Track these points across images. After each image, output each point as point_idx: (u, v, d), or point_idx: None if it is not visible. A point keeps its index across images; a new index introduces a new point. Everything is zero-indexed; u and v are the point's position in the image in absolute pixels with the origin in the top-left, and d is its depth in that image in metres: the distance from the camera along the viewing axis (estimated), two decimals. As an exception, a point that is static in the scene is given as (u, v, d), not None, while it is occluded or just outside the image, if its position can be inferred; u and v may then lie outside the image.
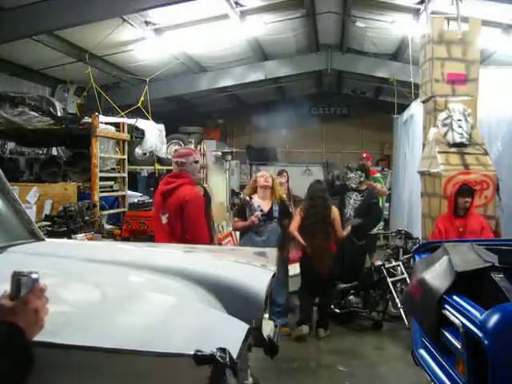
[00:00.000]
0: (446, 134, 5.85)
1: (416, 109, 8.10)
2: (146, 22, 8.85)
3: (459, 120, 5.82)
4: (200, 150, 10.32)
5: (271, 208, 5.50)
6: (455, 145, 5.81)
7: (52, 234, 5.27)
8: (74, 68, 9.98)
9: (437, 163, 5.72)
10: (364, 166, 7.30)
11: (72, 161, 7.58)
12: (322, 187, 5.89)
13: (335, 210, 5.76)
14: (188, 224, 4.00)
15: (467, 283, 2.95)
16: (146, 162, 10.15)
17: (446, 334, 2.83)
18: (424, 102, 6.53)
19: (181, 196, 4.04)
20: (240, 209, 5.71)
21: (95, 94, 9.92)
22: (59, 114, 7.46)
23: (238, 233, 6.43)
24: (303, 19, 10.24)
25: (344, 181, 6.89)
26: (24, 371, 1.28)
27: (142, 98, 9.89)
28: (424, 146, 6.38)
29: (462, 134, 5.77)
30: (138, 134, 8.32)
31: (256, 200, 5.54)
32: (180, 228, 4.06)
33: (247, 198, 5.58)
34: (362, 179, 6.67)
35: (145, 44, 9.60)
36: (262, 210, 5.46)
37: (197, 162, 4.30)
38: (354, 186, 6.67)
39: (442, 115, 5.94)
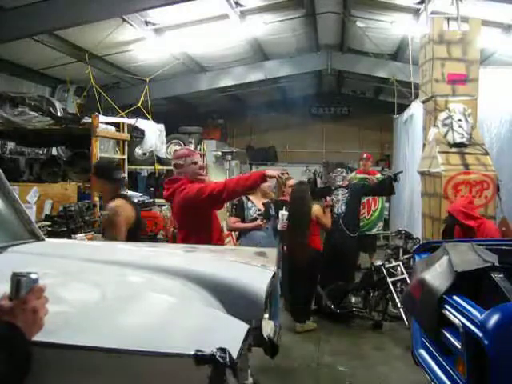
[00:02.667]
0: (446, 134, 5.85)
1: (416, 109, 8.10)
2: (146, 22, 8.84)
3: (459, 120, 5.81)
4: (200, 150, 10.33)
5: (266, 208, 5.41)
6: (455, 145, 5.80)
7: (52, 234, 5.27)
8: (74, 68, 9.98)
9: (437, 163, 5.72)
10: (341, 163, 7.38)
11: (72, 161, 7.59)
12: (303, 188, 5.90)
13: (316, 209, 5.90)
14: (188, 229, 3.96)
15: (467, 283, 2.95)
16: (145, 162, 10.17)
17: (446, 334, 2.83)
18: (424, 101, 6.53)
19: (175, 202, 3.97)
20: (238, 208, 5.54)
21: (95, 94, 9.91)
22: (59, 114, 7.47)
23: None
24: (303, 19, 10.23)
25: (328, 180, 6.95)
26: (22, 371, 1.28)
27: (142, 98, 9.89)
28: (424, 145, 6.39)
29: (462, 134, 5.77)
30: (138, 134, 8.32)
31: (251, 199, 5.43)
32: (182, 231, 4.06)
33: (243, 198, 5.43)
34: (344, 174, 6.83)
35: (145, 44, 9.60)
36: (259, 210, 5.39)
37: (195, 163, 4.02)
38: (339, 183, 6.75)
39: (442, 115, 5.94)
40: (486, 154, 5.79)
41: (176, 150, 5.04)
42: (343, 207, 6.63)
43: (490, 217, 5.56)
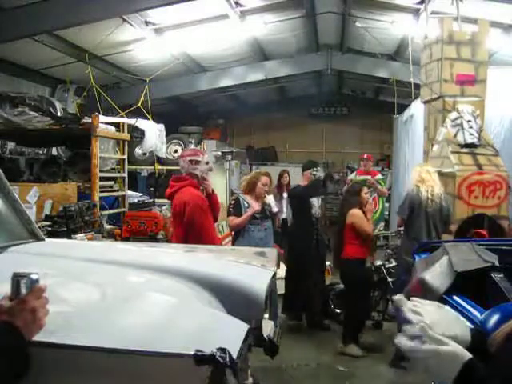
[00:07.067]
0: (456, 135, 5.84)
1: (416, 109, 8.10)
2: (146, 22, 8.84)
3: (469, 121, 5.82)
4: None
5: (263, 207, 5.32)
6: (466, 145, 5.80)
7: (52, 234, 5.27)
8: (74, 68, 9.97)
9: (450, 163, 5.69)
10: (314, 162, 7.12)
11: (72, 161, 7.58)
12: (354, 189, 5.63)
13: (353, 213, 5.29)
14: (192, 229, 3.99)
15: (467, 283, 2.95)
16: (145, 162, 10.17)
17: (446, 333, 2.82)
18: (427, 101, 6.51)
19: (181, 199, 4.05)
20: (235, 207, 5.33)
21: (95, 94, 9.90)
22: (59, 114, 7.46)
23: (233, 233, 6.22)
24: (303, 19, 10.23)
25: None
26: (20, 371, 1.28)
27: (142, 98, 9.88)
28: (432, 145, 6.35)
29: (472, 134, 5.78)
30: (138, 134, 8.31)
31: (248, 199, 5.32)
32: (182, 231, 4.06)
33: (240, 196, 5.38)
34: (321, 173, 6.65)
35: (145, 44, 9.59)
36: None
37: (207, 163, 4.29)
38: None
39: (452, 115, 5.92)
40: (497, 154, 5.80)
41: (187, 149, 5.13)
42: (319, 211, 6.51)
43: (503, 217, 5.55)
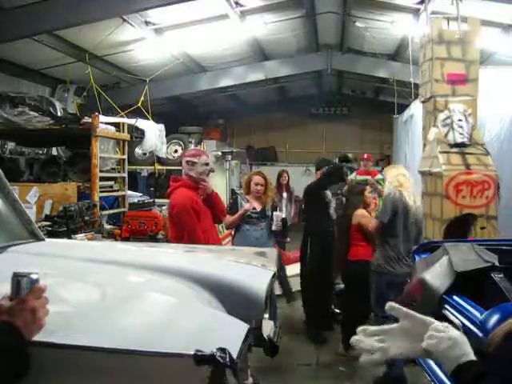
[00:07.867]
0: (446, 134, 5.85)
1: (416, 109, 8.11)
2: (146, 22, 8.85)
3: (459, 120, 5.81)
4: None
5: (264, 208, 5.25)
6: (456, 145, 5.80)
7: (52, 234, 5.27)
8: (74, 68, 9.98)
9: (438, 163, 5.71)
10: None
11: (72, 161, 7.58)
12: (357, 189, 5.62)
13: (360, 214, 5.17)
14: (180, 230, 4.00)
15: (467, 283, 2.95)
16: (145, 162, 10.18)
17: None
18: (424, 102, 6.52)
19: (173, 200, 4.10)
20: (232, 206, 5.33)
21: (95, 94, 9.91)
22: (59, 114, 7.46)
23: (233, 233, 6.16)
24: (303, 19, 10.24)
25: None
26: (20, 371, 1.28)
27: (142, 98, 9.89)
28: (425, 145, 6.38)
29: (462, 134, 5.77)
30: (138, 134, 8.32)
31: (248, 198, 5.27)
32: (175, 231, 4.10)
33: (238, 195, 5.38)
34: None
35: (145, 44, 9.60)
36: (254, 208, 5.22)
37: (207, 164, 4.18)
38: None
39: (442, 115, 5.93)
40: (487, 154, 5.80)
41: (189, 149, 5.11)
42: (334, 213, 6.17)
43: (492, 217, 5.55)
